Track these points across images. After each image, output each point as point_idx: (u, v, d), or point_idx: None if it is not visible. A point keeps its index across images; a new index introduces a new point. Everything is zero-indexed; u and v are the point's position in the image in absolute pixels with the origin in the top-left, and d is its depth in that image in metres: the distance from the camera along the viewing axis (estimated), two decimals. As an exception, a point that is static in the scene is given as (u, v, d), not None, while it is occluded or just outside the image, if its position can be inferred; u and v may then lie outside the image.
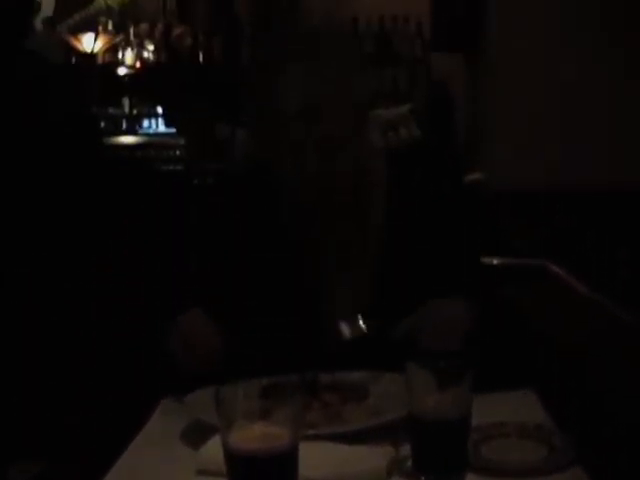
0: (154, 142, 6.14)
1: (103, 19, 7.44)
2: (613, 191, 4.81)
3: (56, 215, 2.93)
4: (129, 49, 7.23)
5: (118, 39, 7.22)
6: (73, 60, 7.20)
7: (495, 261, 3.11)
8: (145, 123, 6.91)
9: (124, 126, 6.89)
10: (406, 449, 1.55)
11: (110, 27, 7.32)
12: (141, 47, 7.26)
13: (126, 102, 7.02)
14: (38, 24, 7.43)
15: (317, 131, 2.04)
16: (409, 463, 1.54)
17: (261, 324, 2.08)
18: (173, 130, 6.53)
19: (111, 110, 6.91)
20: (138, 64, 7.22)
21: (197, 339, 2.00)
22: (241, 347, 2.01)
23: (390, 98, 5.75)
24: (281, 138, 2.10)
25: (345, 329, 2.12)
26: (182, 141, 5.45)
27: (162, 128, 6.88)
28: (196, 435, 1.73)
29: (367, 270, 2.12)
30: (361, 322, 2.11)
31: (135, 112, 6.95)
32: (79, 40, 7.01)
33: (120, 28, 7.37)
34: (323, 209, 2.09)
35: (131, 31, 7.34)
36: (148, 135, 6.48)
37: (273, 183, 2.20)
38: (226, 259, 2.22)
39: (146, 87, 7.10)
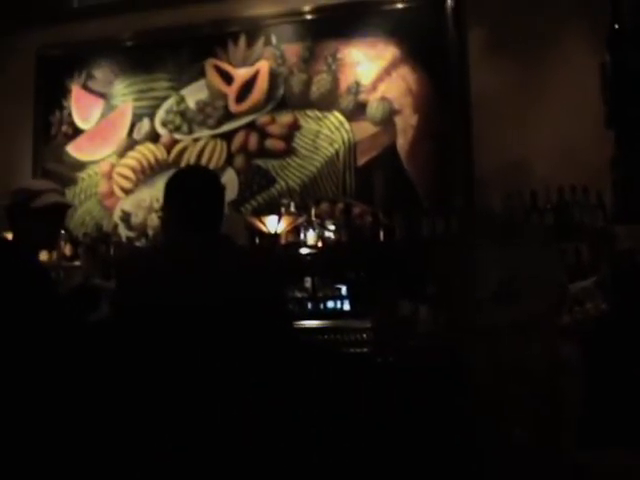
0: (339, 325, 6.17)
1: (285, 200, 7.68)
2: None
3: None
4: (310, 229, 7.39)
5: (300, 220, 7.39)
6: (257, 241, 7.40)
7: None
8: (330, 304, 6.95)
9: (309, 307, 6.95)
10: None
11: (292, 208, 7.52)
12: (322, 227, 7.41)
13: (309, 283, 7.11)
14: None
15: (513, 312, 2.02)
16: None
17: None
18: (357, 309, 6.55)
19: (295, 292, 7.01)
20: (320, 244, 7.35)
21: None
22: None
23: (574, 271, 5.65)
24: (473, 320, 2.09)
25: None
26: (367, 324, 5.45)
27: (347, 307, 6.90)
28: None
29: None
30: None
31: (319, 294, 7.02)
32: (263, 221, 7.21)
33: (301, 209, 7.58)
34: (511, 395, 2.05)
35: (312, 211, 7.53)
36: (333, 317, 6.52)
37: (458, 365, 2.18)
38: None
39: (329, 267, 7.20)
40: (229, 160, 8.36)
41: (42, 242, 3.97)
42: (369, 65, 8.07)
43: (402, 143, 7.81)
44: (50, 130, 9.18)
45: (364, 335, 5.65)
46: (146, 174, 8.68)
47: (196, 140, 8.55)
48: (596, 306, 5.02)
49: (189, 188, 3.40)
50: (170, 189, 3.44)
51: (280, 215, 7.28)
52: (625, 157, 5.63)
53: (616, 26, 5.83)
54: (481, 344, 2.05)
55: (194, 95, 8.65)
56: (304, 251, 7.35)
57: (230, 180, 8.20)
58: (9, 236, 3.80)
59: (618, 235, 6.35)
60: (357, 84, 8.07)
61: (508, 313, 2.00)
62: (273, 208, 7.70)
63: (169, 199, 3.43)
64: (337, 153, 8.00)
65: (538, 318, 2.03)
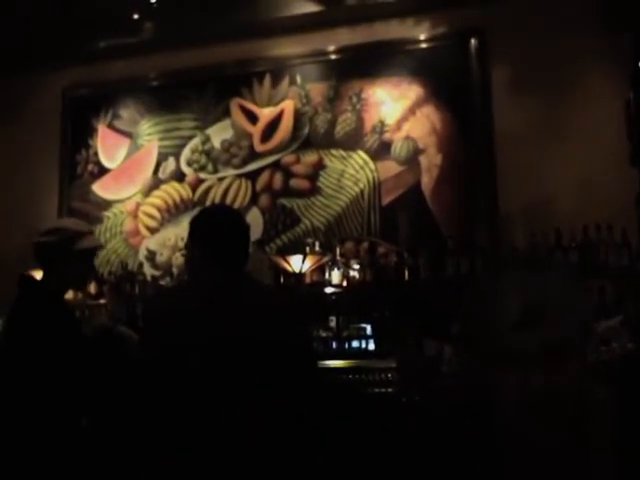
0: (364, 365, 6.15)
1: (310, 240, 7.69)
2: None
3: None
4: (335, 268, 7.39)
5: (325, 259, 7.40)
6: (282, 280, 7.40)
7: None
8: (354, 343, 6.93)
9: (334, 346, 6.94)
10: None
11: (317, 247, 7.53)
12: (347, 266, 7.41)
13: (334, 322, 7.09)
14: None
15: (539, 336, 2.01)
16: None
17: None
18: (382, 349, 6.53)
19: (320, 331, 7.00)
20: (345, 283, 7.35)
21: None
22: None
23: (599, 310, 5.63)
24: (499, 349, 2.07)
25: None
26: (392, 363, 5.45)
27: (371, 347, 6.88)
28: None
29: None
30: None
31: (344, 333, 7.00)
32: (287, 261, 7.21)
33: (326, 248, 7.58)
34: (541, 425, 2.03)
35: (337, 250, 7.53)
36: (358, 357, 6.50)
37: (486, 398, 2.16)
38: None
39: (353, 306, 7.19)
40: (254, 199, 8.39)
41: (76, 282, 3.99)
42: (393, 104, 8.10)
43: (426, 182, 7.82)
44: (76, 168, 9.26)
45: (389, 375, 5.64)
46: (171, 213, 8.72)
47: (221, 179, 8.59)
48: (622, 345, 4.99)
49: (214, 226, 3.42)
50: (195, 227, 3.46)
51: (305, 254, 7.28)
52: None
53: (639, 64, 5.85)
54: (508, 372, 2.04)
55: (219, 134, 8.70)
56: (329, 290, 7.34)
57: (255, 219, 8.23)
58: (36, 274, 3.81)
59: (644, 274, 6.33)
60: (381, 123, 8.09)
61: (534, 337, 1.99)
62: (298, 247, 7.72)
63: (193, 237, 3.45)
64: (362, 192, 8.01)
65: (564, 344, 2.02)
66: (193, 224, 3.47)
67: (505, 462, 2.09)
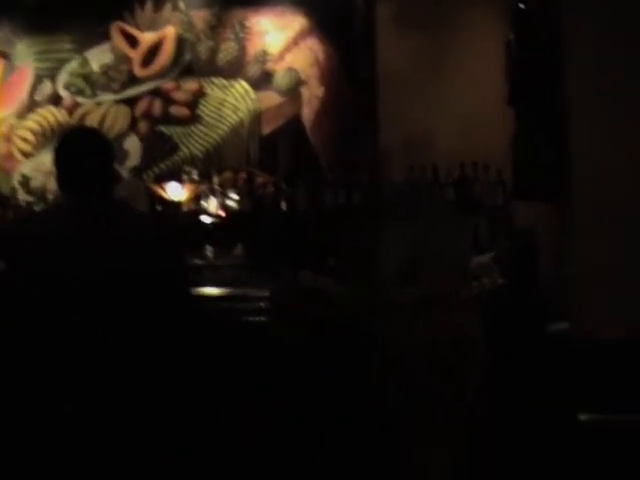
0: (238, 294, 6.15)
1: (188, 168, 7.61)
2: None
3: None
4: (213, 198, 7.34)
5: (203, 188, 7.35)
6: (158, 208, 7.33)
7: (587, 416, 3.01)
8: (229, 272, 6.92)
9: (208, 275, 6.91)
10: None
11: (195, 176, 7.47)
12: (225, 196, 7.38)
13: (209, 251, 7.07)
14: (125, 173, 7.63)
15: (418, 290, 2.01)
16: None
17: None
18: (257, 279, 6.53)
19: (195, 259, 6.96)
20: (222, 213, 7.32)
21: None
22: None
23: (472, 247, 5.72)
24: (377, 297, 2.07)
25: None
26: (266, 292, 5.44)
27: (246, 277, 6.87)
28: None
29: (461, 437, 2.06)
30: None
31: (219, 262, 6.99)
32: (164, 189, 7.14)
33: (205, 177, 7.53)
34: (421, 370, 2.04)
35: (215, 180, 7.48)
36: (232, 286, 6.49)
37: (363, 339, 2.17)
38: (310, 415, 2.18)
39: (230, 236, 7.17)
40: (132, 126, 8.24)
41: None
42: (277, 34, 8.03)
43: (307, 114, 7.80)
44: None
45: (263, 304, 5.64)
46: (47, 137, 8.49)
47: (99, 104, 8.39)
48: (493, 281, 5.09)
49: (71, 149, 3.32)
50: (56, 151, 3.35)
51: (182, 183, 7.22)
52: (525, 135, 5.69)
53: (521, 5, 5.88)
54: (386, 321, 2.04)
55: (98, 58, 8.47)
56: (205, 219, 7.30)
57: (133, 146, 8.10)
58: None
59: (516, 212, 6.45)
60: (264, 53, 8.02)
61: (413, 291, 1.99)
62: (176, 176, 7.64)
63: (55, 161, 3.34)
64: (242, 122, 7.95)
65: (443, 295, 2.03)
66: (55, 148, 3.37)
67: (381, 401, 2.10)
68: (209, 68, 8.16)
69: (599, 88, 5.17)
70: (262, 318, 5.25)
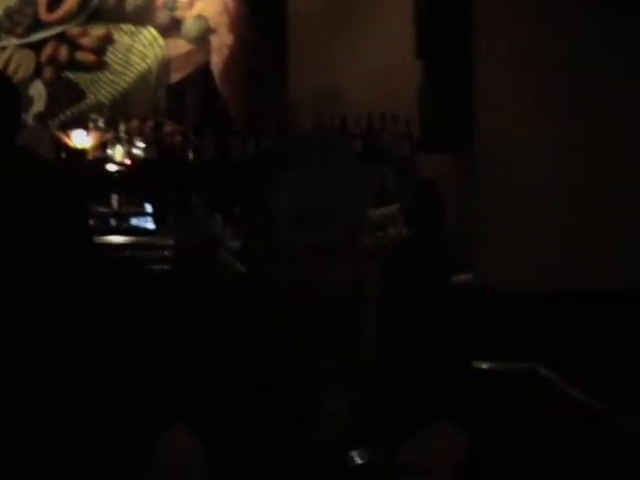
0: (143, 242, 6.11)
1: (94, 115, 7.49)
2: (607, 293, 4.78)
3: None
4: (119, 146, 7.25)
5: (108, 136, 7.25)
6: (63, 155, 7.21)
7: (485, 365, 3.07)
8: (134, 221, 6.86)
9: (112, 224, 6.85)
10: None
11: (101, 124, 7.36)
12: (131, 144, 7.29)
13: (115, 199, 6.99)
14: (29, 119, 7.48)
15: (311, 238, 2.00)
16: None
17: (248, 439, 2.02)
18: (162, 227, 6.49)
19: (100, 208, 6.88)
20: (128, 161, 7.23)
21: (178, 456, 1.94)
22: (227, 461, 1.95)
23: (378, 198, 5.75)
24: (274, 245, 2.05)
25: (355, 455, 2.04)
26: (171, 241, 5.40)
27: (151, 225, 6.83)
28: None
29: (361, 386, 2.05)
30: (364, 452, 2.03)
31: (124, 210, 6.92)
32: (69, 136, 7.03)
33: (111, 125, 7.42)
34: (317, 320, 2.03)
35: (121, 128, 7.37)
36: (137, 234, 6.45)
37: (265, 290, 2.15)
38: (210, 370, 2.17)
39: (135, 184, 7.10)
40: (37, 71, 8.06)
41: None
42: (186, -19, 7.92)
43: (216, 62, 7.73)
44: None
45: (167, 252, 5.61)
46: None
47: (3, 49, 8.18)
48: (398, 232, 5.12)
49: None
50: None
51: (88, 130, 7.10)
52: (432, 87, 5.71)
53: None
54: (281, 268, 2.01)
55: (3, 1, 8.24)
56: (111, 167, 7.20)
57: (38, 92, 7.93)
58: None
59: (423, 163, 6.49)
60: (174, 0, 7.89)
61: (307, 237, 1.96)
62: (82, 123, 7.51)
63: None
64: (149, 69, 7.84)
65: (338, 243, 2.00)
66: None
67: (279, 351, 2.09)
68: (117, 14, 8.01)
69: (507, 42, 5.21)
70: (166, 266, 5.22)
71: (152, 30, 7.90)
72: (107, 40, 7.99)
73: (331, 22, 7.44)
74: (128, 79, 7.87)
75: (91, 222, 6.20)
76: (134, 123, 7.58)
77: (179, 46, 7.84)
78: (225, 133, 7.19)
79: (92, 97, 7.92)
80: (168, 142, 7.37)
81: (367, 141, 6.85)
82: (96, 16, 8.05)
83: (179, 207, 6.16)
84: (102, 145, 7.27)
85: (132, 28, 7.95)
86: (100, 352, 3.10)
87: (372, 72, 7.22)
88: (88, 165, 7.13)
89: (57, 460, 2.61)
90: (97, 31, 8.03)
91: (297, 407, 2.03)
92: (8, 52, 8.14)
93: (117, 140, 7.29)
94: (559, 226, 5.08)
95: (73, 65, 8.02)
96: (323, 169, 1.99)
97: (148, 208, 6.92)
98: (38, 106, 7.83)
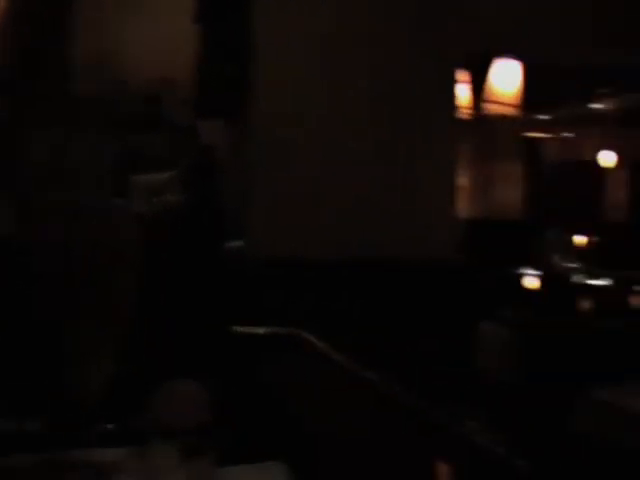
0: None
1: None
2: (377, 261, 4.89)
3: None
4: None
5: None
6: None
7: (248, 330, 3.09)
8: None
9: None
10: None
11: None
12: None
13: None
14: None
15: (58, 197, 1.95)
16: None
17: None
18: None
19: None
20: None
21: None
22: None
23: (154, 163, 5.68)
24: (23, 204, 2.00)
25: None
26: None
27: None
28: None
29: (115, 339, 2.04)
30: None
31: None
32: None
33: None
34: (66, 277, 1.99)
35: None
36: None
37: (15, 249, 2.09)
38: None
39: None
40: None
41: None
42: None
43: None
44: None
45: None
46: None
47: None
48: (172, 198, 5.09)
49: None
50: None
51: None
52: (209, 53, 5.70)
53: None
54: (32, 228, 1.96)
55: None
56: None
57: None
58: None
59: (200, 130, 6.47)
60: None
61: (49, 196, 1.92)
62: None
63: None
64: None
65: (78, 203, 1.97)
66: None
67: (32, 312, 2.05)
68: None
69: (285, 7, 5.26)
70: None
71: None
72: None
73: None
74: None
75: None
76: None
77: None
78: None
79: None
80: None
81: (144, 105, 6.74)
82: None
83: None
84: None
85: None
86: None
87: (155, 36, 7.11)
88: None
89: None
90: None
91: (49, 358, 1.99)
92: None
93: None
94: (333, 195, 5.17)
95: None
96: (79, 129, 1.96)
97: None
98: None
